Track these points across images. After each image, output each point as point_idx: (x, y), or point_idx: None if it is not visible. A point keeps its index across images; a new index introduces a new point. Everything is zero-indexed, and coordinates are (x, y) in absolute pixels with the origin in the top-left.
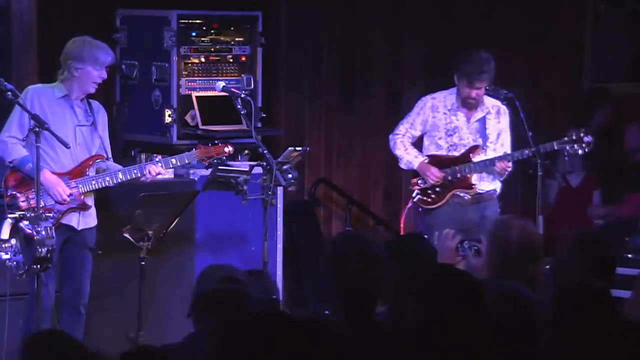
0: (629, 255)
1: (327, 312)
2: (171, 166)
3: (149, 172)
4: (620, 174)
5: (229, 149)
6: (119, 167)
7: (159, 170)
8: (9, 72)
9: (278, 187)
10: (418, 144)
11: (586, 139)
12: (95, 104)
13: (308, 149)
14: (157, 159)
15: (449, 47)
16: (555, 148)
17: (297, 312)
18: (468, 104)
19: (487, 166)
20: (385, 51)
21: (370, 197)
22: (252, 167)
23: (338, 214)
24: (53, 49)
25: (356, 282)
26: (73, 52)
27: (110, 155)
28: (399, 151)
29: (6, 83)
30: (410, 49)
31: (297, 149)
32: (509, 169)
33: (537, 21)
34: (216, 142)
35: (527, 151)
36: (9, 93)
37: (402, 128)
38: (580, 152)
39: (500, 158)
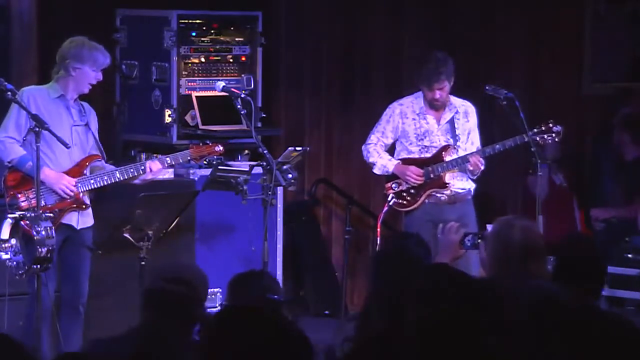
0: (629, 255)
1: (327, 312)
2: (166, 165)
3: (150, 169)
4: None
5: (219, 148)
6: (114, 167)
7: (159, 166)
8: (9, 72)
9: (278, 187)
10: (390, 152)
11: (555, 128)
12: (86, 105)
13: (308, 149)
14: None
15: (449, 47)
16: (526, 140)
17: (297, 312)
18: (435, 106)
19: (459, 164)
20: (385, 51)
21: (370, 197)
22: (252, 167)
23: (338, 214)
24: (53, 49)
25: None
26: (71, 52)
27: (104, 156)
28: (372, 158)
29: (6, 83)
30: (410, 49)
31: (297, 149)
32: (482, 165)
33: (537, 21)
34: (207, 142)
35: (507, 142)
36: (9, 93)
37: (373, 137)
38: (550, 141)
39: (472, 153)
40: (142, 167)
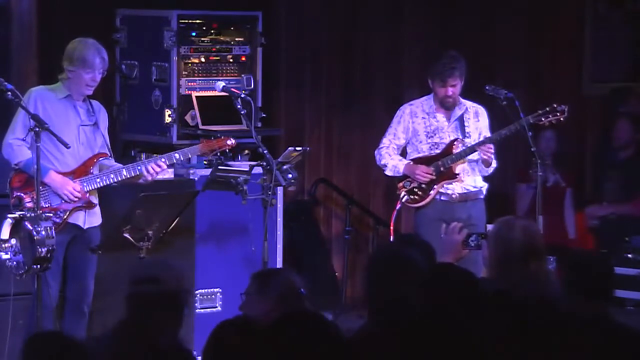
0: (629, 255)
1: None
2: (174, 161)
3: (152, 169)
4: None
5: (231, 141)
6: (121, 165)
7: (162, 167)
8: (9, 72)
9: (278, 187)
10: (403, 155)
11: (559, 107)
12: (96, 104)
13: (308, 149)
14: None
15: (449, 47)
16: (532, 122)
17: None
18: (446, 104)
19: (467, 154)
20: (385, 51)
21: (370, 197)
22: (252, 167)
23: (338, 214)
24: (53, 49)
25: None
26: (66, 55)
27: (112, 154)
28: (384, 160)
29: (6, 83)
30: (410, 49)
31: (297, 149)
32: (492, 152)
33: (537, 21)
34: (218, 135)
35: (512, 126)
36: (9, 93)
37: (385, 140)
38: (554, 121)
39: (480, 143)
40: (150, 164)
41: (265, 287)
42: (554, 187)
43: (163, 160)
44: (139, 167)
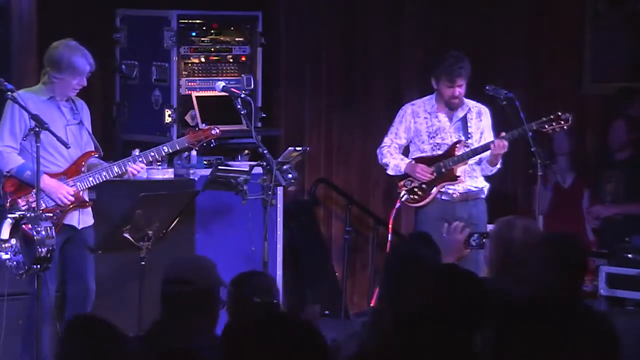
0: (629, 255)
1: (327, 312)
2: (163, 154)
3: (134, 169)
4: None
5: (215, 131)
6: (112, 162)
7: (140, 167)
8: (9, 72)
9: (278, 187)
10: (405, 154)
11: (564, 116)
12: (78, 101)
13: (308, 149)
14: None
15: (449, 47)
16: (535, 128)
17: (296, 312)
18: (451, 104)
19: (470, 156)
20: (385, 51)
21: (370, 197)
22: (252, 167)
23: (338, 214)
24: None
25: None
26: (51, 61)
27: (99, 149)
28: (385, 159)
29: (6, 83)
30: (410, 49)
31: (297, 149)
32: (504, 150)
33: (537, 21)
34: (203, 124)
35: (516, 131)
36: (9, 93)
37: (387, 139)
38: (558, 129)
39: (490, 142)
40: (140, 159)
41: (232, 295)
42: (572, 188)
43: (152, 154)
44: (130, 163)
